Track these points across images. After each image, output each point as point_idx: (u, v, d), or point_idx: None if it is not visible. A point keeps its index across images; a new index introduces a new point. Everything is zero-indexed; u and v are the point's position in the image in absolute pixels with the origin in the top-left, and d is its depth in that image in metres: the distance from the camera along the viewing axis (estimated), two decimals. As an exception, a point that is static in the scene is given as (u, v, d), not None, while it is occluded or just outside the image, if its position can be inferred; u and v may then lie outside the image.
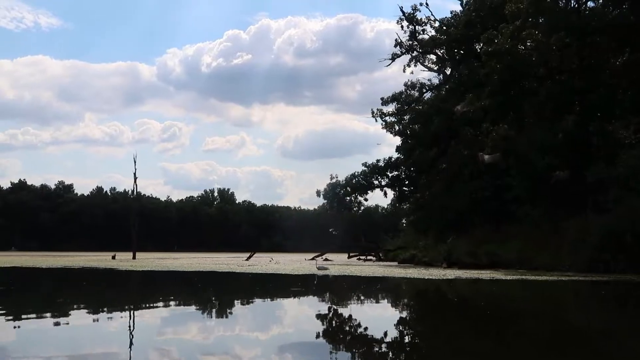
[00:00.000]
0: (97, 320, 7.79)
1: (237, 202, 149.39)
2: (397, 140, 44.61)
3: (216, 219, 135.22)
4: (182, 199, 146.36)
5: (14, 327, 6.82)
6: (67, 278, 18.68)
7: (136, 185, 53.56)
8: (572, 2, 28.87)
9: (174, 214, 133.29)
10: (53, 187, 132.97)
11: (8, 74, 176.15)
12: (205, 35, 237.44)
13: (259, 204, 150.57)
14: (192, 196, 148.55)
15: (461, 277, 18.34)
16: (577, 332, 7.34)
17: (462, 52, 37.97)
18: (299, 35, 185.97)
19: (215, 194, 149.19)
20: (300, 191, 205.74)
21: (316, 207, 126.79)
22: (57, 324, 7.22)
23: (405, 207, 50.56)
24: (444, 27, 38.46)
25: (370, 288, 15.35)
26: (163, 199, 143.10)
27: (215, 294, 12.84)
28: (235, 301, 10.95)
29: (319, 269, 22.42)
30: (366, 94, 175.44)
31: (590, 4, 29.37)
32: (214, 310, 9.46)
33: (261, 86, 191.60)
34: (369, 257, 45.90)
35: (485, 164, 30.21)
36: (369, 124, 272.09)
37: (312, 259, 41.75)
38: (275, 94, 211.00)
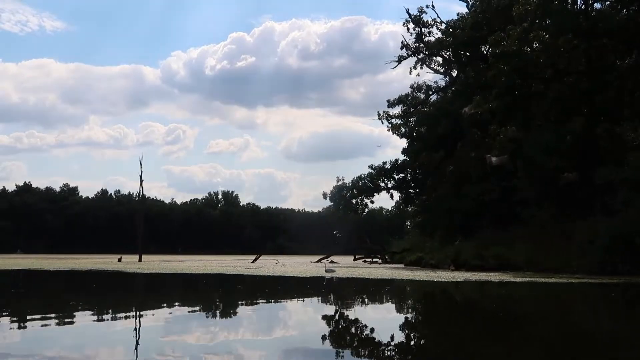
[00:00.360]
0: (110, 323, 7.78)
1: (241, 204, 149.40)
2: (403, 142, 44.71)
3: (220, 221, 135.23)
4: (187, 202, 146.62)
5: (27, 331, 6.82)
6: (76, 280, 18.70)
7: (142, 187, 53.51)
8: (580, 3, 28.84)
9: (178, 216, 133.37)
10: (58, 189, 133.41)
11: (13, 77, 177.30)
12: (209, 38, 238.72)
13: (263, 206, 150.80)
14: (197, 198, 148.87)
15: (470, 280, 18.30)
16: (587, 335, 7.30)
17: (468, 54, 37.91)
18: (303, 37, 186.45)
19: (220, 196, 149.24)
20: (304, 193, 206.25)
21: (320, 210, 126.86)
22: (66, 326, 7.21)
23: (411, 209, 50.52)
24: (450, 29, 38.39)
25: (379, 290, 15.31)
26: (167, 201, 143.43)
27: (227, 297, 12.82)
28: (246, 303, 10.91)
29: (327, 271, 22.41)
30: (370, 96, 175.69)
31: (596, 5, 29.36)
32: (228, 312, 9.45)
33: (265, 88, 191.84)
34: (374, 260, 45.86)
35: (493, 166, 30.20)
36: (373, 126, 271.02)
37: (318, 261, 41.75)
38: (280, 96, 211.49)
